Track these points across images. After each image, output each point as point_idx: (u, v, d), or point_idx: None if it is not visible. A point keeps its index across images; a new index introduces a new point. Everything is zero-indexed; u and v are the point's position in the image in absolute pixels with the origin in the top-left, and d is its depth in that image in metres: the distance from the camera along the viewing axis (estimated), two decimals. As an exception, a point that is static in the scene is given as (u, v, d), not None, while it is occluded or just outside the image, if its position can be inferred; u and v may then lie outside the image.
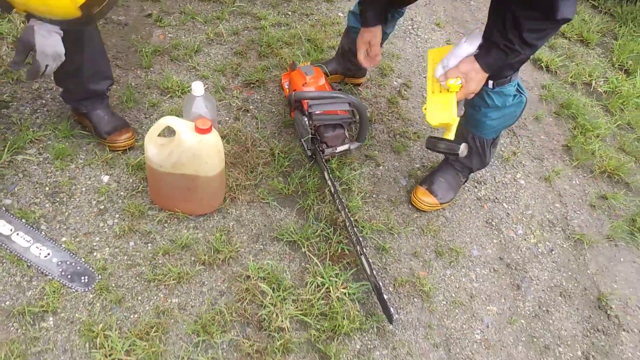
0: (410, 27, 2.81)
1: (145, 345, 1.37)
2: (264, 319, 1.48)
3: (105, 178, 1.76)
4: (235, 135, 1.97)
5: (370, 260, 1.59)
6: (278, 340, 1.44)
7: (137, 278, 1.53)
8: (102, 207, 1.68)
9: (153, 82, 2.13)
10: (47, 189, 1.69)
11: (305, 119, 1.83)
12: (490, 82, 1.57)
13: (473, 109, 1.70)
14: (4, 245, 1.51)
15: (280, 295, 1.53)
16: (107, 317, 1.43)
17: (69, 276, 1.48)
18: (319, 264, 1.63)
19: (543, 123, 2.47)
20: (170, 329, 1.44)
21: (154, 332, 1.41)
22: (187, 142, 1.49)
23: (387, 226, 1.83)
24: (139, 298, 1.49)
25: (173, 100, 2.08)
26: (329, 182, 1.77)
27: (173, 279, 1.53)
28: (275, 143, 1.98)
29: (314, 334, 1.49)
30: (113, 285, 1.50)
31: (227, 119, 2.06)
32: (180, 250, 1.61)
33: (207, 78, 2.20)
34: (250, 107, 2.13)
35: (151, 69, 2.19)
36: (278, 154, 1.93)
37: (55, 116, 1.90)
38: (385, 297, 1.53)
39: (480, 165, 1.88)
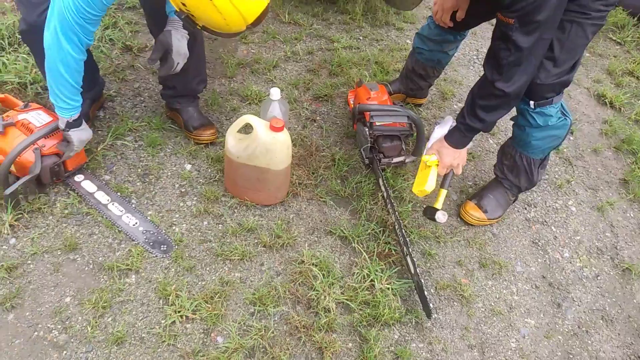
0: (475, 57, 2.95)
1: (209, 307, 1.58)
2: (313, 299, 1.65)
3: (188, 166, 2.02)
4: (302, 140, 2.19)
5: (415, 260, 1.72)
6: (323, 319, 1.60)
7: (207, 252, 1.75)
8: (183, 190, 1.93)
9: (235, 90, 2.40)
10: (139, 170, 1.98)
11: (366, 128, 2.02)
12: (532, 103, 1.70)
13: (518, 129, 1.83)
14: (101, 211, 1.79)
15: (329, 281, 1.69)
16: (179, 281, 1.65)
17: (151, 243, 1.73)
18: (367, 258, 1.78)
19: (601, 156, 2.50)
20: (231, 297, 1.64)
21: (217, 298, 1.62)
22: (262, 137, 1.71)
23: (435, 234, 1.95)
24: (207, 268, 1.71)
25: (251, 107, 2.34)
26: (383, 187, 1.93)
27: (237, 256, 1.74)
28: (336, 150, 2.17)
29: (357, 318, 1.63)
30: (187, 255, 1.73)
31: (296, 126, 2.28)
32: (245, 233, 1.82)
33: (282, 90, 2.45)
34: (317, 117, 2.34)
35: (234, 78, 2.47)
36: (338, 159, 2.12)
37: (151, 111, 2.21)
38: (426, 294, 1.65)
39: (529, 185, 1.97)
